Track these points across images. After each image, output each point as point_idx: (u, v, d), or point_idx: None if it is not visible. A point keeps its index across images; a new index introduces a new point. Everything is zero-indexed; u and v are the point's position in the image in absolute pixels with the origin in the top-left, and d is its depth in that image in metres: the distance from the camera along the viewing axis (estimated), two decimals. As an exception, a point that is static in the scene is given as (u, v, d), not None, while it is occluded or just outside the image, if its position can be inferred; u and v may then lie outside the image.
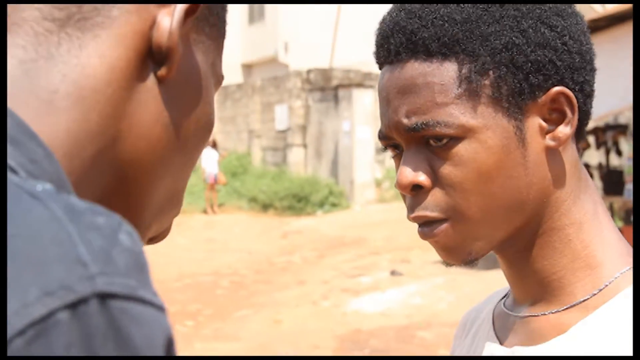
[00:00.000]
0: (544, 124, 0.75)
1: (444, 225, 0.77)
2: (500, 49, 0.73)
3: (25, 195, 0.41)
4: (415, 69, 0.75)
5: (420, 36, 0.75)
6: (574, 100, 0.75)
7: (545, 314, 0.78)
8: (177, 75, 0.54)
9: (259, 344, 6.49)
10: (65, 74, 0.51)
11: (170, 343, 0.42)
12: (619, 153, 10.05)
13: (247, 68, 24.05)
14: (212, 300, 8.26)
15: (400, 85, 0.76)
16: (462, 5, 0.75)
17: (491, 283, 8.44)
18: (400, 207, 14.80)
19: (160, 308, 0.41)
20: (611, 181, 9.20)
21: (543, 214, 0.77)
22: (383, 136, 0.80)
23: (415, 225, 0.78)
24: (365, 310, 7.56)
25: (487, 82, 0.74)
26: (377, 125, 15.96)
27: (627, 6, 6.97)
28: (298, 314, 7.51)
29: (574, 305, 0.76)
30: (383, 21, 0.80)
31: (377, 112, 17.26)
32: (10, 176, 0.43)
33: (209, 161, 15.61)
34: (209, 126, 0.59)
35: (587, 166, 10.06)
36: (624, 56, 6.20)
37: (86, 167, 0.51)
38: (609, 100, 6.69)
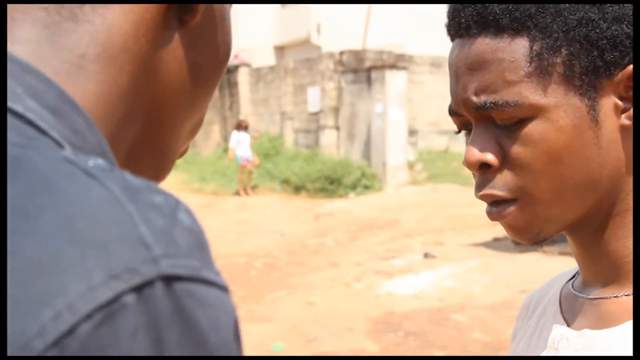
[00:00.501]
0: (619, 102, 0.73)
1: (513, 207, 0.75)
2: (574, 24, 0.71)
3: (79, 172, 0.40)
4: (485, 44, 0.73)
5: (492, 10, 0.73)
6: None
7: (617, 297, 0.75)
8: (200, 18, 0.54)
9: (292, 326, 6.52)
10: (92, 34, 0.50)
11: (236, 324, 0.41)
12: None
13: (280, 50, 24.01)
14: (245, 281, 8.31)
15: (469, 61, 0.74)
16: None
17: (525, 265, 8.39)
18: (432, 189, 14.79)
19: (224, 288, 0.41)
20: None
21: (617, 195, 0.75)
22: (452, 112, 0.79)
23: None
24: (398, 293, 7.55)
25: (559, 59, 0.71)
26: (409, 107, 15.91)
27: None
28: (331, 295, 7.52)
29: (628, 295, 0.74)
30: None
31: (409, 94, 17.22)
32: (58, 151, 0.42)
33: (240, 144, 15.65)
34: (227, 55, 0.58)
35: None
36: None
37: (119, 126, 0.51)
38: None
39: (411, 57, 18.22)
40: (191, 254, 0.40)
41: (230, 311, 0.41)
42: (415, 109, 17.66)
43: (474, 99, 0.73)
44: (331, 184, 14.95)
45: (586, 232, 0.77)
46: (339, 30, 21.55)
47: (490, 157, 0.74)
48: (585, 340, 0.76)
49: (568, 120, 0.71)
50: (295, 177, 15.40)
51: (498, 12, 0.72)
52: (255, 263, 9.31)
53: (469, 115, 0.76)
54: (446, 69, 18.65)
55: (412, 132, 17.34)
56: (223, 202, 14.16)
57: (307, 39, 22.27)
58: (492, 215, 0.77)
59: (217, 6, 0.56)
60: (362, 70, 16.31)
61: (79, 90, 0.48)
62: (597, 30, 0.71)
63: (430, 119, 18.31)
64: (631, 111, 0.72)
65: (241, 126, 15.99)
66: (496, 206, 0.76)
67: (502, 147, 0.74)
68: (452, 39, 0.79)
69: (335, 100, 16.98)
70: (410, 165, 15.79)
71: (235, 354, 0.40)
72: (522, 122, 0.72)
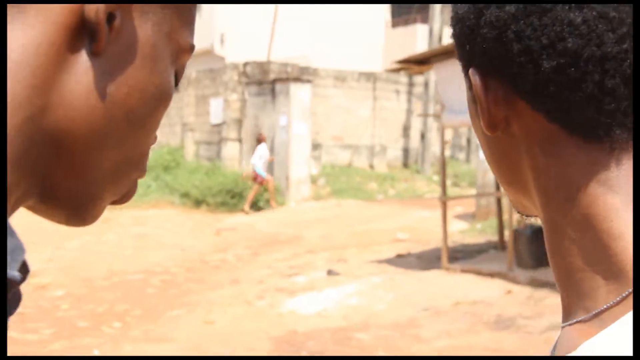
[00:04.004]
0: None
1: None
2: (461, 25, 0.69)
3: None
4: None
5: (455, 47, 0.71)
6: (476, 84, 0.69)
7: (568, 324, 0.68)
8: (115, 47, 0.56)
9: (191, 346, 6.33)
10: None
11: None
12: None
13: (181, 59, 23.70)
14: (141, 299, 8.03)
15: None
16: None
17: (428, 282, 8.44)
18: (335, 205, 14.81)
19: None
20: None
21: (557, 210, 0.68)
22: None
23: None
24: (301, 311, 7.46)
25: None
26: (313, 121, 15.92)
27: None
28: (232, 314, 7.38)
29: (589, 319, 0.65)
30: None
31: (313, 107, 17.23)
32: None
33: (262, 159, 15.02)
34: (160, 97, 0.59)
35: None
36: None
37: (16, 136, 0.52)
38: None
39: (316, 70, 18.29)
40: None
41: None
42: (319, 122, 17.71)
43: None
44: (233, 197, 14.81)
45: (545, 233, 0.71)
46: (244, 41, 21.44)
47: None
48: None
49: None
50: (195, 190, 15.19)
51: (457, 48, 0.70)
52: (152, 280, 9.03)
53: None
54: (350, 83, 18.82)
55: (316, 146, 17.40)
56: (119, 216, 13.72)
57: (210, 49, 22.07)
58: None
59: (146, 43, 0.57)
60: (267, 82, 16.32)
61: None
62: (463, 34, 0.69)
63: (334, 133, 18.40)
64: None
65: (262, 139, 15.31)
66: None
67: None
68: None
69: (239, 112, 16.91)
70: (314, 180, 15.82)
71: None
72: None
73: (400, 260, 9.69)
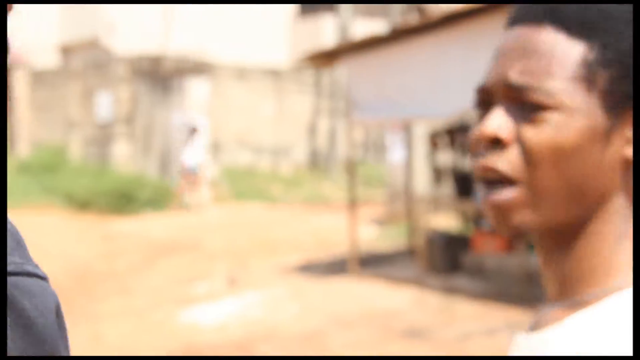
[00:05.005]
0: (630, 134, 0.85)
1: (511, 190, 0.85)
2: (628, 51, 0.85)
3: None
4: (546, 34, 0.86)
5: (565, 9, 0.86)
6: None
7: (554, 308, 0.89)
8: None
9: (76, 363, 6.19)
10: None
11: (58, 307, 0.57)
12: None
13: (66, 51, 23.16)
14: (20, 313, 7.83)
15: (525, 46, 0.86)
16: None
17: (337, 291, 8.54)
18: (237, 209, 14.80)
19: (44, 278, 0.56)
20: (463, 184, 9.58)
21: (594, 216, 0.86)
22: (480, 88, 0.90)
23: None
24: (199, 323, 7.45)
25: (604, 75, 0.84)
26: (212, 119, 15.87)
27: (476, 5, 7.40)
28: (122, 327, 7.31)
29: (577, 302, 0.87)
30: None
31: (212, 103, 17.17)
32: None
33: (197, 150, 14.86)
34: None
35: (439, 170, 10.40)
36: (478, 55, 6.46)
37: None
38: (462, 99, 6.93)
39: (215, 64, 18.22)
40: (12, 252, 0.52)
41: (50, 297, 0.58)
42: (218, 121, 17.63)
43: (514, 76, 0.85)
44: (123, 201, 14.59)
45: (557, 240, 0.88)
46: (134, 32, 21.11)
47: (504, 133, 0.85)
48: (524, 343, 0.90)
49: (585, 127, 0.84)
50: (81, 192, 14.87)
51: (570, 12, 0.86)
52: (32, 291, 8.81)
53: (498, 91, 0.87)
54: (252, 80, 18.84)
55: (215, 147, 17.32)
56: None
57: (97, 40, 21.66)
58: (486, 198, 0.87)
59: None
60: (160, 76, 16.17)
61: None
62: None
63: (235, 133, 18.36)
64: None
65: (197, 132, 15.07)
66: (494, 188, 0.86)
67: (516, 129, 0.85)
68: (511, 26, 0.90)
69: (129, 109, 16.69)
70: (213, 183, 15.75)
71: (57, 333, 0.57)
72: (546, 109, 0.84)
73: (306, 268, 9.76)
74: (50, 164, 16.84)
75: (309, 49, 10.95)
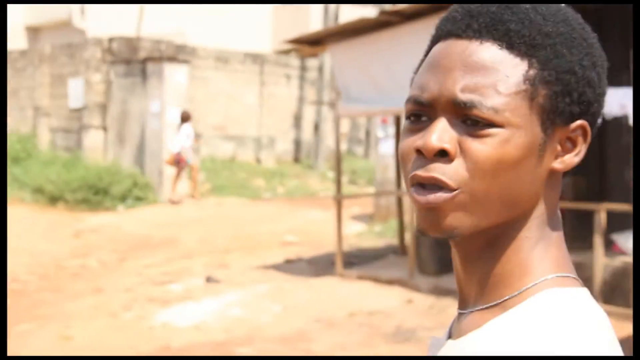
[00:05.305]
0: (558, 147, 0.97)
1: (450, 195, 0.93)
2: (565, 70, 0.95)
3: None
4: (491, 52, 0.94)
5: (508, 27, 0.95)
6: (589, 135, 0.98)
7: (472, 311, 0.97)
8: None
9: (44, 365, 6.24)
10: None
11: None
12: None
13: (34, 32, 23.07)
14: (-15, 312, 7.84)
15: (469, 61, 0.94)
16: (548, 17, 0.97)
17: (321, 291, 8.59)
18: (216, 203, 14.81)
19: None
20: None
21: (518, 221, 0.97)
22: (419, 102, 0.97)
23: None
24: (175, 324, 7.48)
25: (543, 92, 0.95)
26: (191, 107, 15.85)
27: (423, 6, 7.47)
28: (93, 328, 7.33)
29: (495, 305, 0.96)
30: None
31: (191, 92, 17.13)
32: None
33: (189, 138, 14.86)
34: None
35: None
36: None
37: None
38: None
39: (194, 49, 18.21)
40: None
41: None
42: (197, 109, 17.62)
43: (460, 95, 0.93)
44: (96, 194, 14.59)
45: (476, 246, 0.98)
46: (108, 13, 21.05)
47: (450, 147, 0.93)
48: (445, 350, 0.99)
49: (526, 142, 0.94)
50: (51, 185, 14.86)
51: (514, 30, 0.95)
52: (-3, 289, 8.82)
53: (442, 107, 0.94)
54: (234, 66, 18.83)
55: (198, 137, 17.30)
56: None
57: (68, 21, 21.58)
58: (422, 197, 0.94)
59: None
60: (136, 61, 16.13)
61: None
62: (578, 84, 0.96)
63: (215, 122, 18.37)
64: (564, 158, 0.98)
65: (187, 118, 15.03)
66: (433, 190, 0.94)
67: (460, 143, 0.93)
68: (448, 37, 0.98)
69: (103, 96, 16.66)
70: (191, 175, 15.76)
71: None
72: (490, 126, 0.93)
73: (289, 266, 9.80)
74: (18, 154, 16.80)
75: (293, 34, 10.97)
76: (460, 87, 0.93)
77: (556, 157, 0.97)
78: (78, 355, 6.52)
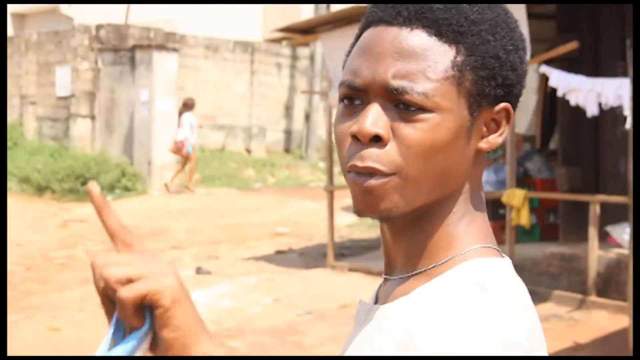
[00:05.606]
0: (484, 129, 1.05)
1: (385, 180, 1.00)
2: (490, 56, 1.02)
3: None
4: (420, 39, 1.00)
5: (436, 15, 1.01)
6: (512, 116, 1.06)
7: (401, 277, 1.05)
8: None
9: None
10: None
11: None
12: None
13: (20, 18, 22.96)
14: (-30, 303, 7.81)
15: (400, 48, 1.00)
16: (474, 3, 1.03)
17: (312, 282, 8.59)
18: (206, 194, 14.79)
19: None
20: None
21: (447, 198, 1.04)
22: (352, 87, 1.03)
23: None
24: (164, 315, 7.44)
25: (470, 77, 1.01)
26: (180, 96, 15.80)
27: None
28: (81, 320, 7.32)
29: (421, 272, 1.03)
30: None
31: (181, 80, 17.04)
32: None
33: (193, 128, 14.95)
34: None
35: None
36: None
37: None
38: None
39: (183, 37, 18.15)
40: None
41: None
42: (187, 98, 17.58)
43: (391, 81, 0.99)
44: (83, 184, 14.56)
45: (407, 221, 1.04)
46: None
47: (383, 132, 0.99)
48: (372, 314, 1.05)
49: (455, 125, 1.01)
50: (37, 174, 14.83)
51: (442, 18, 1.01)
52: (-17, 280, 8.79)
53: (374, 93, 1.01)
54: (223, 54, 18.77)
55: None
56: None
57: (55, 8, 21.49)
58: (360, 184, 1.01)
59: None
60: (125, 49, 16.11)
61: None
62: (502, 69, 1.03)
63: (205, 112, 18.32)
64: (489, 138, 1.05)
65: (191, 105, 15.09)
66: (369, 176, 1.00)
67: (393, 128, 1.00)
68: (379, 23, 1.04)
69: (91, 84, 16.63)
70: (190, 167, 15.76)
71: None
72: (421, 112, 0.99)
73: (280, 258, 9.79)
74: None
75: (284, 22, 10.93)
76: (392, 74, 0.99)
77: (482, 138, 1.05)
78: (71, 353, 6.50)
